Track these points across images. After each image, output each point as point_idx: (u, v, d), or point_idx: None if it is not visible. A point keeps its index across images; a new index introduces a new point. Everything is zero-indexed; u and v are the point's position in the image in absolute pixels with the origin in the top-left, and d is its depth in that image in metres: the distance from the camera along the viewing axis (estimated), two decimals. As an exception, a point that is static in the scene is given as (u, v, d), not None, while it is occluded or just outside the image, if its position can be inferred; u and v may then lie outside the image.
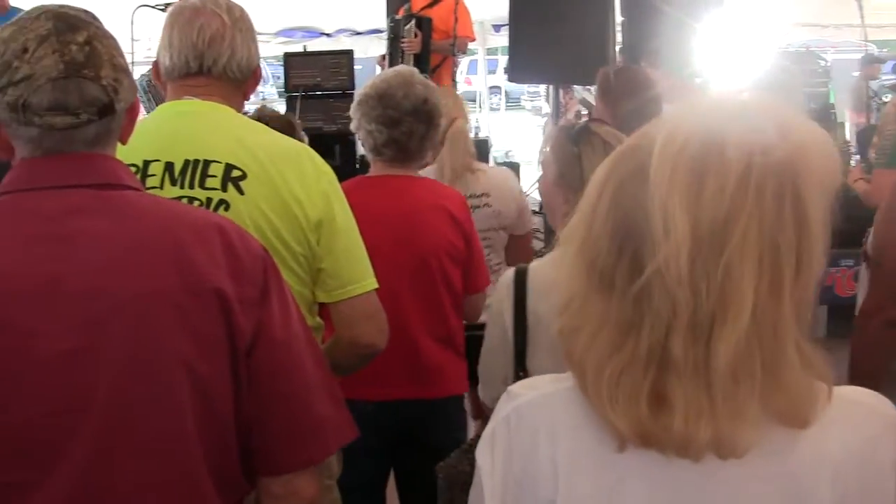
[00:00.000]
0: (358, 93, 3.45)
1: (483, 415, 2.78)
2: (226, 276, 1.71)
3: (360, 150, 5.56)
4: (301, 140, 3.40)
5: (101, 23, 1.78)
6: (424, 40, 7.78)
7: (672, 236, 1.23)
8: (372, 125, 3.33)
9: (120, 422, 1.64)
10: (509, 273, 2.63)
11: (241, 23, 2.49)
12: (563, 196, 2.61)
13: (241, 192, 2.32)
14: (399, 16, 7.99)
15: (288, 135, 2.75)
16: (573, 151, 2.60)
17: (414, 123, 3.31)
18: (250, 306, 1.74)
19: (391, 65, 7.70)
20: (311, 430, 1.82)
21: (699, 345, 1.25)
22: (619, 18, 7.59)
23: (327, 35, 13.75)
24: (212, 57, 2.42)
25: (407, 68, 3.69)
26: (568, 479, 1.35)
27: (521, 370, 2.55)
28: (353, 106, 3.43)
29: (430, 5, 7.99)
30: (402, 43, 7.74)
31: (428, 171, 4.08)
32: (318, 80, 7.73)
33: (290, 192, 2.34)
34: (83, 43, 1.69)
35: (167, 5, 7.91)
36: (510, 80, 8.22)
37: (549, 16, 7.07)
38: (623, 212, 1.31)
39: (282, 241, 2.32)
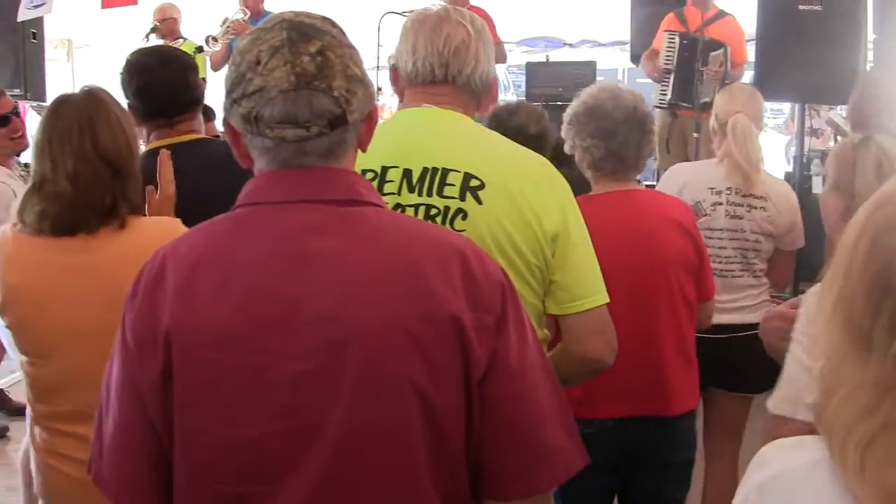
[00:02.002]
0: (566, 113, 3.43)
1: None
2: (463, 303, 1.68)
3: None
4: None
5: (339, 30, 1.76)
6: (725, 70, 7.49)
7: None
8: (587, 140, 3.32)
9: (351, 444, 1.65)
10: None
11: (484, 34, 2.49)
12: (836, 204, 2.52)
13: (479, 201, 2.32)
14: (693, 34, 7.61)
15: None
16: (850, 158, 2.51)
17: (628, 132, 3.29)
18: (486, 335, 1.69)
19: (680, 87, 7.51)
20: (540, 458, 1.77)
21: None
22: (871, 36, 7.29)
23: (570, 45, 13.79)
24: (457, 66, 2.43)
25: (610, 81, 3.67)
26: None
27: None
28: (564, 126, 3.41)
29: (708, 22, 7.68)
30: (709, 71, 7.40)
31: (710, 162, 4.18)
32: (559, 91, 7.76)
33: (528, 204, 2.33)
34: (315, 53, 1.67)
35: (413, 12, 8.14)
36: (756, 97, 8.00)
37: (798, 33, 6.87)
38: (880, 265, 1.19)
39: (518, 252, 2.31)
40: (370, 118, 1.79)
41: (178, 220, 2.70)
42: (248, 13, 8.67)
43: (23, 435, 4.73)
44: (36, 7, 8.40)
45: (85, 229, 2.68)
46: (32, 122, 5.35)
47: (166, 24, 8.84)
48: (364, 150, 1.83)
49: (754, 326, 3.99)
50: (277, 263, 1.68)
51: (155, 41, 8.80)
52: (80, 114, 2.71)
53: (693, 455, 3.54)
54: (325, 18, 1.76)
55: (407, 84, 2.52)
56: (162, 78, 3.38)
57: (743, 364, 4.02)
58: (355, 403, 1.64)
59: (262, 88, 1.66)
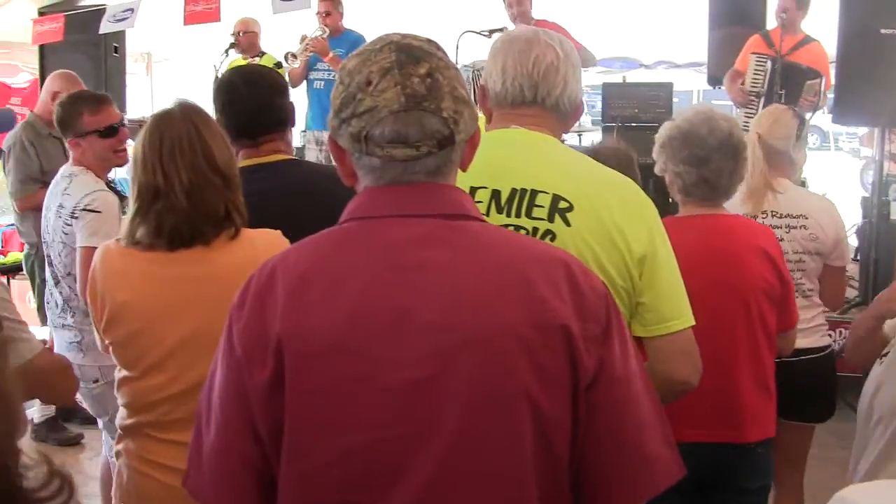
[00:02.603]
0: (659, 135, 3.43)
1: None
2: (571, 312, 1.71)
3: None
4: (635, 176, 3.42)
5: (444, 53, 1.81)
6: (818, 99, 7.42)
7: None
8: (680, 166, 3.32)
9: (460, 452, 1.67)
10: None
11: (572, 57, 2.50)
12: None
13: (567, 223, 2.32)
14: (787, 59, 7.49)
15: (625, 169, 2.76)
16: None
17: (722, 160, 3.28)
18: (593, 343, 1.72)
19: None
20: (640, 467, 1.80)
21: None
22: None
23: (645, 66, 13.78)
24: (546, 88, 2.44)
25: (704, 105, 3.64)
26: None
27: None
28: (656, 149, 3.42)
29: (796, 47, 7.60)
30: (804, 100, 7.30)
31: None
32: (635, 112, 7.74)
33: (616, 226, 2.33)
34: (425, 75, 1.72)
35: (491, 31, 8.17)
36: (835, 121, 7.89)
37: (879, 56, 6.78)
38: None
39: (606, 274, 2.31)
40: (473, 139, 1.83)
41: (280, 233, 2.73)
42: (328, 31, 8.72)
43: (97, 444, 4.79)
44: (118, 21, 8.55)
45: (202, 240, 2.71)
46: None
47: (246, 37, 8.90)
48: (465, 170, 1.86)
49: (810, 351, 3.95)
50: (387, 273, 1.71)
51: (234, 55, 8.92)
52: (186, 126, 2.74)
53: (770, 482, 3.51)
54: (429, 41, 1.81)
55: (495, 105, 2.53)
56: (246, 97, 3.36)
57: (801, 391, 3.98)
58: (466, 411, 1.66)
59: (373, 108, 1.71)
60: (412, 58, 1.73)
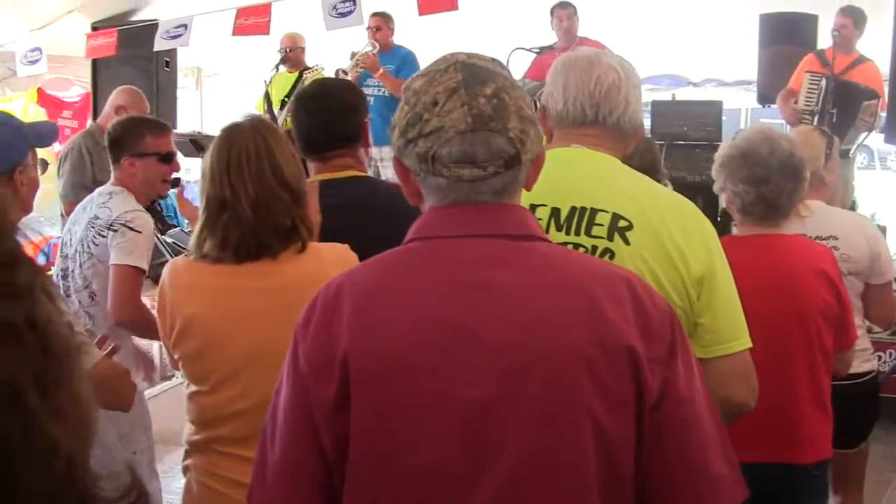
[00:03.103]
0: (719, 154, 3.42)
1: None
2: (636, 333, 1.71)
3: (722, 203, 5.44)
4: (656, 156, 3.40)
5: (509, 72, 1.82)
6: (874, 120, 7.43)
7: None
8: (739, 186, 3.30)
9: (525, 472, 1.67)
10: None
11: (633, 77, 2.52)
12: None
13: (626, 242, 2.32)
14: (842, 78, 7.47)
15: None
16: None
17: (782, 180, 3.26)
18: (658, 364, 1.72)
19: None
20: (706, 486, 1.79)
21: None
22: None
23: (693, 84, 13.71)
24: (608, 107, 2.45)
25: (763, 125, 3.62)
26: None
27: None
28: (716, 168, 3.41)
29: (851, 66, 7.60)
30: (861, 121, 7.34)
31: None
32: (684, 130, 7.72)
33: (674, 245, 2.33)
34: (491, 95, 1.72)
35: (541, 48, 8.19)
36: (887, 141, 7.81)
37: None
38: None
39: (664, 293, 2.27)
40: (538, 160, 1.83)
41: (347, 247, 2.73)
42: (378, 46, 8.77)
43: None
44: (172, 38, 8.65)
45: (268, 253, 2.71)
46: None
47: (294, 53, 8.99)
48: (529, 190, 1.87)
49: (850, 377, 3.84)
50: (455, 293, 1.72)
51: (283, 70, 8.99)
52: (254, 139, 2.74)
53: (826, 503, 3.47)
54: (494, 60, 1.82)
55: (556, 124, 2.54)
56: (313, 111, 3.35)
57: (843, 419, 3.85)
58: (532, 430, 1.67)
59: (440, 129, 1.72)
60: (478, 78, 1.74)
